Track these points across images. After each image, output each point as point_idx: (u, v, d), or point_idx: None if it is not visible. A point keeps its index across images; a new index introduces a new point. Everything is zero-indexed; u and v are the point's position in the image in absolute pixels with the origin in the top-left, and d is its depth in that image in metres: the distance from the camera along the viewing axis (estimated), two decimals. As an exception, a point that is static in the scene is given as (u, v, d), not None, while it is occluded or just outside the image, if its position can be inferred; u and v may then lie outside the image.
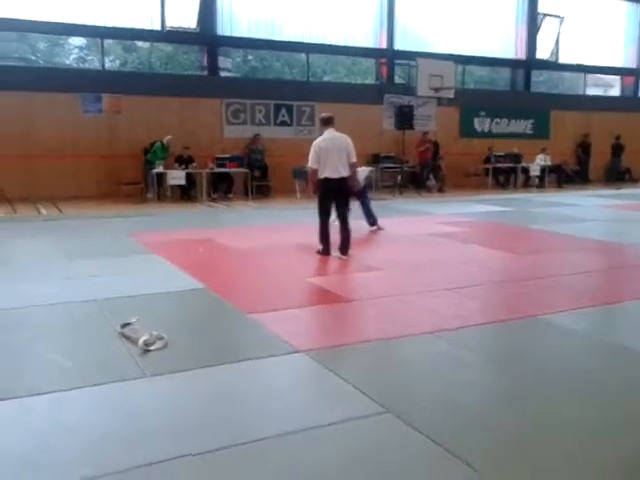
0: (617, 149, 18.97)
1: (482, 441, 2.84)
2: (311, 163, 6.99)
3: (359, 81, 18.22)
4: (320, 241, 7.16)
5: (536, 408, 3.21)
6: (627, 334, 4.63)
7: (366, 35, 16.49)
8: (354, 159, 6.98)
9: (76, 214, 10.74)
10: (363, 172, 14.33)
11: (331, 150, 6.85)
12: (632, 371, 3.78)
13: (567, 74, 21.09)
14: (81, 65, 15.33)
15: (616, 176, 18.90)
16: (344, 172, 6.91)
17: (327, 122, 7.10)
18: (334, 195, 7.01)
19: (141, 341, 3.96)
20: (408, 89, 15.78)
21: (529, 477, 2.57)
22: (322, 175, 6.92)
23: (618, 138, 18.80)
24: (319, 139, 7.00)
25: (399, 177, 15.02)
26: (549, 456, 2.71)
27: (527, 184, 17.34)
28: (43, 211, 11.26)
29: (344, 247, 7.07)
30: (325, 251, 7.12)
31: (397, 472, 2.58)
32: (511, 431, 2.96)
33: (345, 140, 6.97)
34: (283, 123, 15.15)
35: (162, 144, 12.96)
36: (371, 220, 9.04)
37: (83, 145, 13.16)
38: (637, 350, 4.12)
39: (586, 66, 19.77)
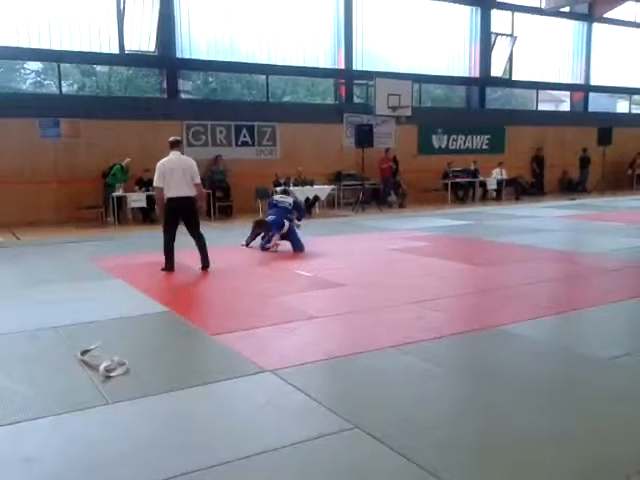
0: (584, 161, 19.61)
1: (451, 454, 2.88)
2: (156, 183, 7.38)
3: (318, 101, 18.45)
4: (165, 257, 7.44)
5: (502, 418, 3.28)
6: (585, 341, 4.76)
7: (324, 56, 16.74)
8: (198, 180, 7.38)
9: (35, 240, 10.53)
10: (325, 190, 14.55)
11: (175, 170, 7.25)
12: (589, 378, 3.90)
13: (520, 91, 21.77)
14: (38, 90, 15.14)
15: (577, 187, 19.55)
16: (189, 192, 7.30)
17: (173, 145, 7.47)
18: (181, 214, 7.39)
19: (102, 367, 3.90)
20: (367, 108, 16.05)
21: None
22: (167, 194, 7.29)
23: (585, 151, 19.43)
24: (164, 160, 7.41)
25: (361, 194, 15.19)
26: (521, 464, 2.77)
27: (485, 197, 17.74)
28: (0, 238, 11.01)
29: (204, 262, 7.49)
30: (167, 267, 7.42)
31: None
32: (479, 442, 3.01)
33: (189, 162, 7.41)
34: (244, 144, 15.19)
35: (122, 167, 12.84)
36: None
37: (41, 170, 12.95)
38: (594, 357, 4.25)
39: (538, 82, 20.44)
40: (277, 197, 9.71)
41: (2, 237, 11.07)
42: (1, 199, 12.39)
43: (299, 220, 9.50)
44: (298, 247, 8.83)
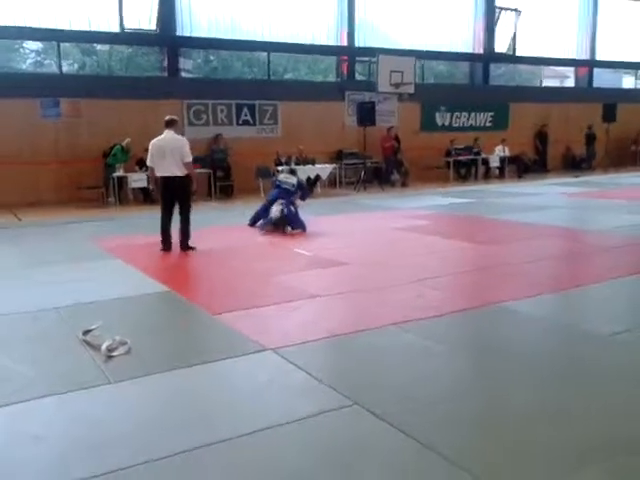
0: (590, 138, 19.45)
1: (451, 430, 2.90)
2: (148, 162, 7.54)
3: (320, 79, 18.30)
4: (161, 237, 7.48)
5: (502, 395, 3.30)
6: (586, 318, 4.77)
7: (327, 33, 16.54)
8: (187, 160, 7.31)
9: (36, 221, 10.54)
10: (326, 169, 14.48)
11: (163, 149, 7.27)
12: (590, 354, 3.91)
13: (524, 67, 21.52)
14: (38, 69, 15.04)
15: (581, 164, 19.44)
16: (178, 172, 7.27)
17: (167, 124, 7.45)
18: (171, 193, 7.38)
19: (104, 347, 3.92)
20: (369, 85, 15.89)
21: (502, 463, 2.63)
22: (157, 174, 7.39)
23: (590, 128, 19.24)
24: (155, 139, 7.42)
25: (363, 173, 15.13)
26: (521, 442, 2.79)
27: (487, 175, 17.63)
28: (0, 219, 11.02)
29: (182, 243, 7.45)
30: (164, 247, 7.45)
31: (368, 464, 2.63)
32: (479, 419, 3.03)
33: (179, 141, 7.35)
34: (245, 122, 15.09)
35: (122, 147, 12.79)
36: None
37: (42, 150, 12.91)
38: (595, 333, 4.25)
39: (542, 58, 20.19)
40: (281, 176, 9.63)
41: (3, 218, 11.08)
42: (1, 180, 12.37)
43: (303, 200, 9.43)
44: (299, 226, 8.76)
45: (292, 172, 9.83)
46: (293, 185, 9.21)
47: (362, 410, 3.09)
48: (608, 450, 2.69)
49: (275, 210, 8.74)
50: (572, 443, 2.74)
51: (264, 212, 9.09)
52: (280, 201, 8.88)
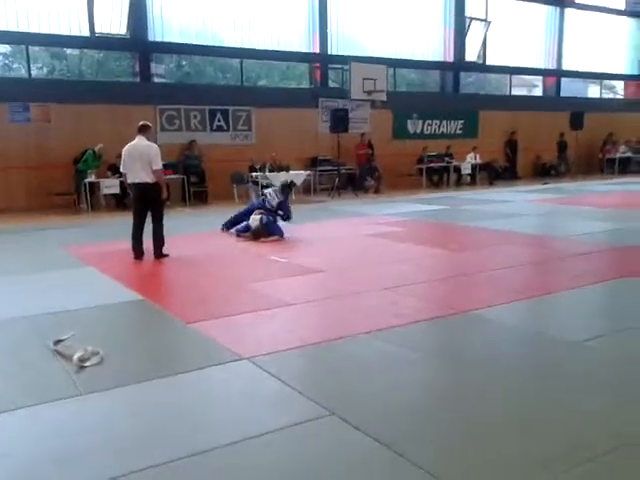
0: (562, 146, 19.85)
1: (426, 439, 2.93)
2: (121, 168, 7.55)
3: (294, 85, 18.32)
4: (132, 244, 7.43)
5: (474, 403, 3.33)
6: (556, 325, 4.85)
7: (299, 39, 16.60)
8: (155, 167, 7.25)
9: (4, 228, 10.33)
10: (301, 176, 14.51)
11: (133, 155, 7.25)
12: (561, 361, 3.98)
13: (494, 75, 21.87)
14: (6, 73, 14.76)
15: (550, 171, 19.81)
16: (147, 178, 7.23)
17: (139, 129, 7.41)
18: (142, 200, 7.36)
19: (75, 357, 3.86)
20: (342, 92, 16.00)
21: (476, 473, 2.66)
22: (128, 180, 7.42)
23: (562, 135, 19.62)
24: (127, 145, 7.42)
25: (337, 179, 15.19)
26: (490, 450, 2.83)
27: (459, 182, 17.86)
28: (-32, 226, 10.78)
29: (156, 250, 7.40)
30: (135, 255, 7.38)
31: (344, 474, 2.63)
32: (452, 428, 3.06)
33: (148, 147, 7.28)
34: (219, 128, 15.05)
35: (94, 152, 12.63)
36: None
37: (11, 155, 12.67)
38: (566, 340, 4.33)
39: (511, 67, 20.56)
40: (270, 191, 9.34)
41: (-29, 225, 10.84)
42: (-31, 186, 12.11)
43: (284, 220, 9.15)
44: (276, 233, 8.74)
45: (283, 190, 9.31)
46: (272, 206, 9.08)
47: (337, 420, 3.10)
48: (572, 457, 2.73)
49: (254, 219, 8.72)
50: (539, 451, 2.79)
51: (243, 217, 9.05)
52: (260, 210, 8.87)
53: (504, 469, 2.65)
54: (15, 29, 13.00)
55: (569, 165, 19.98)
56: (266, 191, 9.41)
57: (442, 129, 18.64)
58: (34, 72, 14.13)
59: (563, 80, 21.96)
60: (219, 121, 15.06)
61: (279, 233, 8.74)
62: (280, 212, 9.11)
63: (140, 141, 7.31)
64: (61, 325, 4.61)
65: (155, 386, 3.60)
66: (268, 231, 8.65)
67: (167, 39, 14.76)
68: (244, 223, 8.91)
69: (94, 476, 2.62)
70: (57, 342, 4.16)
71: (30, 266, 7.11)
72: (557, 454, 2.75)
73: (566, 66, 21.74)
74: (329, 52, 16.86)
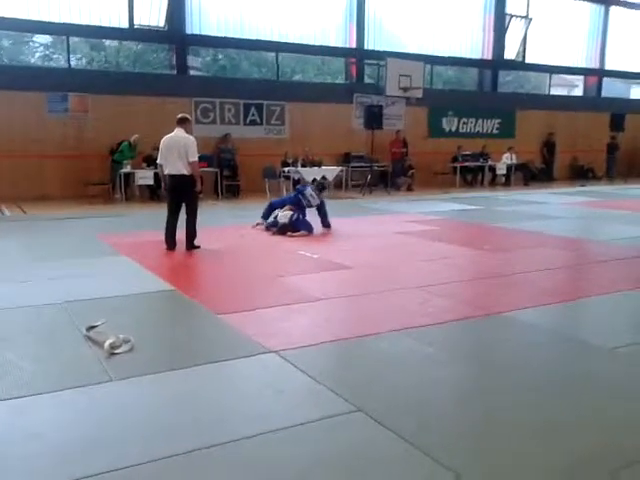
0: (612, 147, 19.40)
1: (451, 438, 2.89)
2: (158, 160, 7.57)
3: (329, 80, 18.27)
4: (165, 235, 7.49)
5: (502, 405, 3.28)
6: (587, 331, 4.74)
7: (336, 34, 16.54)
8: (192, 159, 7.27)
9: (41, 215, 10.55)
10: (333, 171, 14.48)
11: (171, 147, 7.28)
12: (589, 368, 3.88)
13: (533, 74, 21.48)
14: (46, 63, 15.06)
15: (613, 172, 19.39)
16: (183, 170, 7.26)
17: (178, 122, 7.47)
18: (177, 191, 7.39)
19: (107, 344, 3.92)
20: (377, 89, 15.89)
21: (499, 475, 2.62)
22: (165, 172, 7.43)
23: (614, 138, 19.17)
24: (166, 136, 7.45)
25: (369, 176, 15.12)
26: (516, 454, 2.78)
27: (494, 182, 17.61)
28: (6, 212, 11.04)
29: (187, 242, 7.43)
30: (167, 246, 7.45)
31: (369, 470, 2.61)
32: (478, 429, 3.02)
33: (185, 140, 7.31)
34: (253, 122, 15.10)
35: (129, 143, 12.81)
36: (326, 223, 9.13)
37: (48, 145, 12.93)
38: (595, 347, 4.23)
39: (551, 66, 20.15)
40: (309, 191, 9.21)
41: (9, 211, 11.11)
42: (8, 172, 12.40)
43: (324, 227, 9.09)
44: (304, 228, 8.73)
45: (322, 188, 9.40)
46: (310, 205, 9.05)
47: (364, 416, 3.08)
48: (596, 465, 2.67)
49: (284, 215, 8.72)
50: (562, 456, 2.72)
51: (276, 207, 9.07)
52: (291, 207, 8.85)
53: (527, 472, 2.59)
54: (56, 20, 13.25)
55: (616, 167, 19.48)
56: (306, 192, 9.29)
57: (478, 128, 18.39)
58: (73, 62, 14.37)
59: (605, 80, 21.43)
60: (253, 115, 15.11)
61: (307, 229, 8.71)
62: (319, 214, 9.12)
63: (179, 133, 7.37)
64: (94, 312, 4.68)
65: (183, 375, 3.62)
66: (295, 227, 8.65)
67: (204, 32, 14.87)
68: (273, 217, 8.90)
69: (120, 461, 2.64)
70: (90, 328, 4.23)
71: (65, 253, 7.24)
72: (580, 460, 2.68)
73: (609, 66, 21.21)
74: (365, 47, 16.77)
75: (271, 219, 8.94)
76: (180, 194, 7.42)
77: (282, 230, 8.61)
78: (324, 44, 16.28)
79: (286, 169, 13.91)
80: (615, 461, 2.69)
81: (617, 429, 3.00)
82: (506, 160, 17.44)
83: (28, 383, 3.45)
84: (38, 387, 3.40)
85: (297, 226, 8.67)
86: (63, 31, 13.64)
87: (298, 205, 8.96)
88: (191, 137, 7.43)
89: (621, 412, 3.19)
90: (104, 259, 6.92)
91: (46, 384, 3.43)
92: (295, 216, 8.69)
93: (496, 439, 2.90)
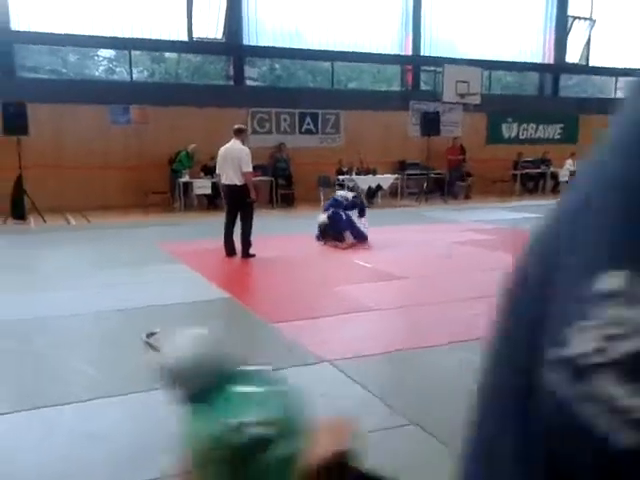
0: None
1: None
2: (217, 169, 7.83)
3: (384, 88, 18.20)
4: (224, 242, 7.65)
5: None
6: None
7: (391, 41, 16.47)
8: (245, 169, 7.33)
9: (104, 224, 10.90)
10: (388, 179, 14.38)
11: (226, 158, 7.42)
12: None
13: (598, 78, 20.77)
14: (110, 76, 15.62)
15: None
16: (237, 180, 7.37)
17: (234, 133, 7.61)
18: (232, 201, 7.54)
19: (165, 351, 3.97)
20: (434, 95, 15.71)
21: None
22: (221, 182, 7.65)
23: None
24: (223, 147, 7.60)
25: (425, 184, 14.93)
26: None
27: (556, 190, 17.07)
28: (72, 221, 11.46)
29: (243, 250, 7.56)
30: (227, 253, 7.60)
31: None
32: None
33: (240, 151, 7.39)
34: (308, 131, 15.18)
35: (187, 153, 13.10)
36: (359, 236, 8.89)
37: (111, 156, 13.37)
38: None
39: (617, 69, 19.43)
40: (340, 193, 9.48)
41: (74, 220, 11.53)
42: (72, 183, 12.88)
43: (361, 216, 9.11)
44: (357, 236, 8.66)
45: (352, 190, 9.65)
46: (346, 199, 9.07)
47: (417, 429, 3.00)
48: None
49: (322, 217, 8.75)
50: None
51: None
52: (329, 208, 8.84)
53: None
54: (119, 35, 13.73)
55: None
56: (338, 193, 9.39)
57: (539, 134, 17.90)
58: (135, 75, 14.85)
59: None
60: (308, 124, 15.20)
61: (360, 236, 8.61)
62: (355, 207, 9.06)
63: (234, 144, 7.51)
64: (153, 318, 4.77)
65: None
66: (335, 228, 8.53)
67: (260, 43, 15.08)
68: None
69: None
70: (149, 335, 4.30)
71: (126, 261, 7.44)
72: None
73: (677, 67, 20.29)
74: (421, 54, 16.62)
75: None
76: (234, 203, 7.55)
77: (324, 232, 8.56)
78: (380, 52, 16.23)
79: (341, 177, 13.90)
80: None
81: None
82: (569, 167, 16.88)
83: (92, 387, 3.54)
84: (101, 391, 3.48)
85: (337, 226, 8.55)
86: (125, 45, 14.12)
87: (334, 205, 8.90)
88: (245, 148, 7.53)
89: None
90: (164, 267, 7.07)
91: (109, 389, 3.51)
92: (331, 213, 8.63)
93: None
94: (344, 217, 8.72)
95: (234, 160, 7.37)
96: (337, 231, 8.55)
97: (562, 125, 18.06)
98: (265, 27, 15.12)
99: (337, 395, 3.46)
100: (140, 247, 8.42)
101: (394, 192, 15.10)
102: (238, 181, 7.40)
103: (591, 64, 18.85)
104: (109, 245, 8.74)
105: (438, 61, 15.71)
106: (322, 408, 3.24)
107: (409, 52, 16.55)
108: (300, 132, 15.08)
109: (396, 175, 15.00)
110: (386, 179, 14.41)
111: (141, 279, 6.38)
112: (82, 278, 6.50)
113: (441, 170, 15.77)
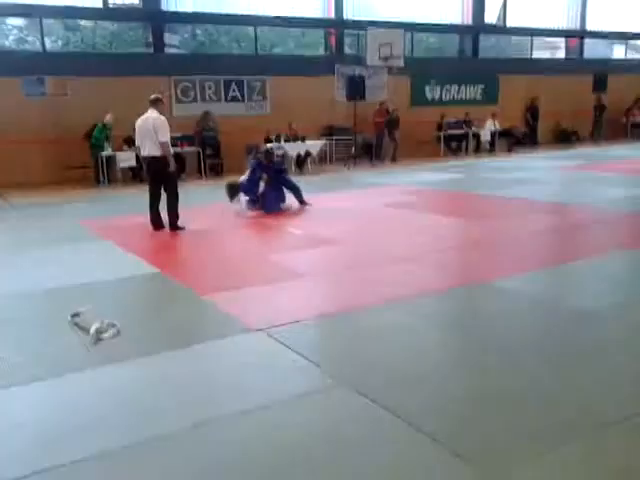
0: (600, 109, 19.48)
1: (435, 409, 2.93)
2: (136, 142, 7.60)
3: (309, 53, 18.04)
4: (149, 216, 7.53)
5: (487, 374, 3.32)
6: (570, 294, 4.80)
7: (314, 5, 16.28)
8: (162, 139, 7.19)
9: (22, 202, 10.44)
10: (317, 145, 14.39)
11: (143, 129, 7.28)
12: (573, 330, 3.93)
13: (514, 38, 21.30)
14: (21, 46, 14.76)
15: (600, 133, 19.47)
16: (154, 151, 7.23)
17: (150, 103, 7.41)
18: (153, 173, 7.43)
19: (93, 330, 3.91)
20: (358, 59, 15.73)
21: (489, 441, 2.66)
22: (141, 153, 7.48)
23: (600, 99, 19.20)
24: (139, 119, 7.43)
25: (353, 149, 15.04)
26: (506, 420, 2.82)
27: (478, 149, 17.58)
28: (-12, 200, 10.92)
29: (170, 223, 7.42)
30: (154, 227, 7.47)
31: (356, 443, 2.64)
32: (465, 398, 3.05)
33: (155, 120, 7.23)
34: (234, 99, 14.92)
35: (103, 125, 12.60)
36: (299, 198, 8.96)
37: (28, 130, 12.72)
38: (581, 309, 4.28)
39: (533, 29, 19.97)
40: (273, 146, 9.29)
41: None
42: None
43: (301, 203, 8.93)
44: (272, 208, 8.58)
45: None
46: (280, 165, 8.97)
47: (350, 390, 3.11)
48: (581, 426, 2.72)
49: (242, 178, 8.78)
50: (555, 419, 2.77)
51: (250, 186, 8.78)
52: (266, 177, 8.68)
53: (518, 439, 2.64)
54: (29, 2, 12.93)
55: (602, 130, 19.54)
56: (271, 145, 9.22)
57: (461, 95, 18.29)
58: (48, 45, 14.08)
59: (587, 41, 21.30)
60: (234, 91, 14.93)
61: (274, 207, 8.53)
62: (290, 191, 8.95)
63: (150, 114, 7.31)
64: (79, 297, 4.67)
65: (169, 357, 3.64)
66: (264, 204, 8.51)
67: (180, 8, 14.58)
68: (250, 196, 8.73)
69: (105, 445, 2.66)
70: (75, 315, 4.22)
71: (48, 239, 7.19)
72: (568, 422, 2.73)
73: (590, 26, 21.07)
74: (344, 17, 16.53)
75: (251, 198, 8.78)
76: (156, 175, 7.39)
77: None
78: (303, 16, 16.03)
79: (269, 145, 13.79)
80: (600, 422, 2.74)
81: (603, 392, 3.06)
82: (490, 127, 17.39)
83: (13, 372, 3.45)
84: (24, 376, 3.39)
85: (266, 204, 8.51)
86: (36, 12, 13.31)
87: (266, 171, 8.68)
88: (162, 117, 7.31)
89: (605, 373, 3.25)
90: (88, 244, 6.88)
91: (31, 373, 3.43)
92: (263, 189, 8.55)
93: (485, 408, 2.94)
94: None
95: (150, 131, 7.18)
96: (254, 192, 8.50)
97: (483, 86, 18.51)
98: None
99: (269, 362, 3.53)
100: (63, 225, 8.14)
101: (323, 158, 15.14)
102: (156, 152, 7.23)
103: (508, 25, 19.29)
104: (30, 224, 8.41)
105: (361, 24, 15.69)
106: (256, 375, 3.31)
107: (332, 15, 16.43)
108: (226, 100, 14.81)
109: (324, 141, 15.02)
110: (315, 145, 14.41)
111: (65, 258, 6.20)
112: (1, 259, 6.24)
113: (369, 134, 15.90)
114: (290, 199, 8.87)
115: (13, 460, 2.60)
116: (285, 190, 8.88)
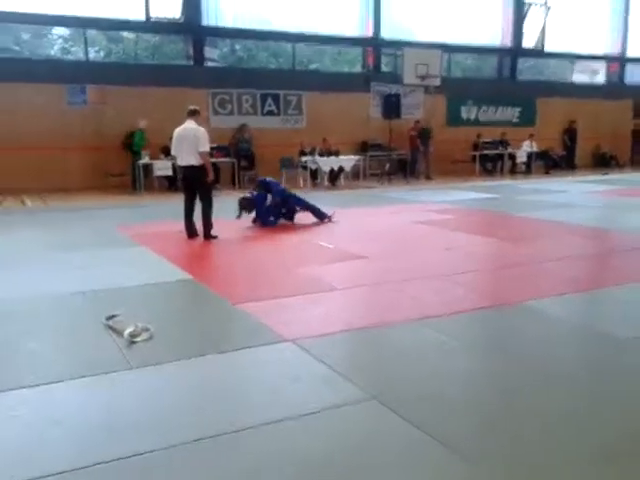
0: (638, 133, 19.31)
1: (466, 428, 2.87)
2: (172, 151, 7.72)
3: (346, 70, 18.17)
4: (184, 224, 7.60)
5: (519, 397, 3.24)
6: (610, 320, 4.67)
7: (352, 24, 16.43)
8: (202, 149, 7.26)
9: (62, 206, 10.66)
10: (350, 160, 14.42)
11: (182, 139, 7.35)
12: (609, 357, 3.82)
13: (553, 61, 21.15)
14: (65, 56, 15.17)
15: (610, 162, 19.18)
16: (193, 161, 7.32)
17: (188, 114, 7.51)
18: (189, 183, 7.48)
19: (127, 333, 3.95)
20: (394, 77, 15.78)
21: (518, 462, 2.60)
22: (178, 163, 7.63)
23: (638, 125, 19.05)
24: (177, 129, 7.51)
25: (387, 165, 15.03)
26: (533, 446, 2.75)
27: (514, 171, 17.41)
28: (28, 203, 11.18)
29: (205, 232, 7.50)
30: (188, 235, 7.55)
31: (383, 459, 2.60)
32: (493, 419, 2.99)
33: (195, 131, 7.29)
34: (270, 113, 15.10)
35: (141, 131, 12.85)
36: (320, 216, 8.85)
37: (68, 136, 13.05)
38: (615, 336, 4.16)
39: (572, 54, 19.82)
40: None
41: (31, 202, 11.24)
42: (29, 165, 12.55)
43: (322, 220, 8.83)
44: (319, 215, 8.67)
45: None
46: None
47: (379, 405, 3.07)
48: (618, 452, 2.63)
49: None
50: (587, 443, 2.69)
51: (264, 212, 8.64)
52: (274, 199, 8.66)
53: (550, 461, 2.56)
54: (73, 13, 13.33)
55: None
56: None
57: (497, 116, 18.20)
58: (91, 55, 14.46)
59: (628, 66, 21.02)
60: (270, 105, 15.11)
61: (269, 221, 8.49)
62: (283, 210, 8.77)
63: (189, 125, 7.41)
64: (114, 301, 4.73)
65: (200, 363, 3.64)
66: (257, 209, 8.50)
67: (220, 23, 14.86)
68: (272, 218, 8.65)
69: (143, 447, 2.67)
70: (109, 317, 4.27)
71: (85, 243, 7.32)
72: (602, 447, 2.65)
73: (631, 52, 20.80)
74: (382, 36, 16.64)
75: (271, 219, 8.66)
76: (192, 184, 7.47)
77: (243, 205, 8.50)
78: (341, 34, 16.18)
79: (304, 159, 13.88)
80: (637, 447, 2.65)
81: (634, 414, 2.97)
82: (526, 148, 17.23)
83: (50, 370, 3.50)
84: (60, 375, 3.43)
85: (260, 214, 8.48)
86: (80, 24, 13.72)
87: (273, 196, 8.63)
88: (201, 128, 7.41)
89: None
90: (124, 249, 6.98)
91: (68, 372, 3.47)
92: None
93: (515, 428, 2.87)
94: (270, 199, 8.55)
95: (190, 141, 7.27)
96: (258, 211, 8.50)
97: (520, 108, 18.39)
98: (225, 8, 14.89)
99: (300, 373, 3.51)
100: (100, 230, 8.28)
101: (356, 173, 15.17)
102: (195, 162, 7.32)
103: (547, 48, 19.19)
104: (67, 228, 8.58)
105: (399, 44, 15.77)
106: (286, 386, 3.29)
107: (370, 34, 16.55)
108: (262, 114, 14.99)
109: (358, 156, 15.06)
110: (349, 160, 14.46)
111: (101, 262, 6.29)
112: (39, 261, 6.37)
113: (403, 151, 15.90)
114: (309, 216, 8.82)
115: (52, 455, 2.63)
116: (304, 212, 8.81)
